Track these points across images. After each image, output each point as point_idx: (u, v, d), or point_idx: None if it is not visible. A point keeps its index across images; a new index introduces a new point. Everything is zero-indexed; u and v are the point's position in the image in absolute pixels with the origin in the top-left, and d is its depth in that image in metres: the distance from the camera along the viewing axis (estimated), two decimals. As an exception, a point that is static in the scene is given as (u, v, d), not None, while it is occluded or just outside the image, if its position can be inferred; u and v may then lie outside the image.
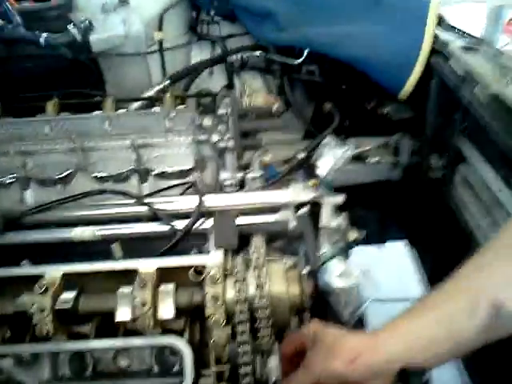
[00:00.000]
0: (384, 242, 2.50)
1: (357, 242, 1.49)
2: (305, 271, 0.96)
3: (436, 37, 1.70)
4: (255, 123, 1.43)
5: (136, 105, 1.67)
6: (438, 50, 1.67)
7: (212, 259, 0.98)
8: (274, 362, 1.12)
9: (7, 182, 1.48)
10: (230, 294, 0.94)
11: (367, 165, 2.02)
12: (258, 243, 0.96)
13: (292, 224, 1.04)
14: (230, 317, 0.96)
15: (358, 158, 1.99)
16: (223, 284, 0.94)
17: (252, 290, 0.92)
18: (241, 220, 1.06)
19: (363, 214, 2.25)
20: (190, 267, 0.99)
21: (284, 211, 1.16)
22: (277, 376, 1.15)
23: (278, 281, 0.94)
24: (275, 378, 1.14)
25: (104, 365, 1.10)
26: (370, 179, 2.12)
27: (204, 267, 0.98)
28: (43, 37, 1.68)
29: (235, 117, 1.36)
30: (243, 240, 1.01)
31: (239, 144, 1.38)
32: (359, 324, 1.61)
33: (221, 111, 1.40)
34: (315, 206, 1.21)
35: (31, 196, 1.49)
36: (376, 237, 2.41)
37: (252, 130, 1.42)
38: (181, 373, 1.07)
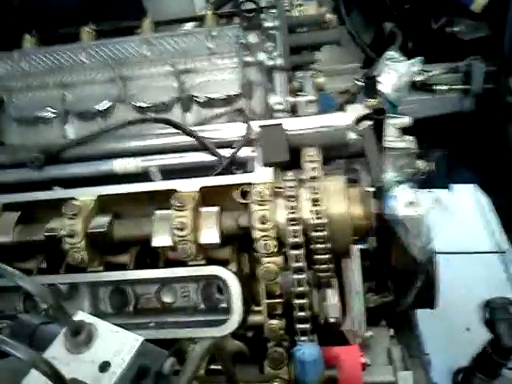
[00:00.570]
0: (452, 183, 2.30)
1: (426, 174, 1.33)
2: (369, 189, 0.81)
3: None
4: (307, 36, 1.27)
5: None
6: None
7: (259, 176, 0.85)
8: (333, 298, 1.01)
9: (47, 116, 1.40)
10: (281, 213, 0.81)
11: (434, 94, 1.82)
12: (311, 152, 0.81)
13: (351, 135, 0.89)
14: (281, 242, 0.83)
15: (424, 87, 1.80)
16: (273, 203, 0.81)
17: (307, 207, 0.78)
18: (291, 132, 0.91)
19: (429, 152, 2.06)
20: (235, 187, 0.87)
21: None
22: (336, 315, 1.03)
23: (338, 198, 0.80)
24: (335, 317, 1.03)
25: (146, 301, 1.02)
26: (437, 112, 1.92)
27: (250, 186, 0.85)
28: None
29: (284, 29, 1.21)
30: (294, 157, 0.87)
31: (289, 61, 1.22)
32: (430, 263, 1.47)
33: (267, 24, 1.24)
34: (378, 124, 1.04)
35: (71, 130, 1.41)
36: (442, 179, 2.21)
37: (304, 45, 1.25)
38: (227, 310, 0.98)
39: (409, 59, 1.61)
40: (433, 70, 1.76)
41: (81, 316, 0.64)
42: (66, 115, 1.40)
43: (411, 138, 1.23)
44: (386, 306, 1.47)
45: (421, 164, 1.26)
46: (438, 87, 1.79)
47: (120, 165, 1.25)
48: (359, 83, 1.64)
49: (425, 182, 1.33)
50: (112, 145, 1.30)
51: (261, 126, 0.90)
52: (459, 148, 2.09)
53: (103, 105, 1.37)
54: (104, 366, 0.60)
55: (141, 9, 1.71)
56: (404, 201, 1.16)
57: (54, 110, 1.39)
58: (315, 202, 0.77)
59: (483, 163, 2.11)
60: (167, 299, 1.02)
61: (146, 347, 0.63)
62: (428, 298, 1.58)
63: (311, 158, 0.80)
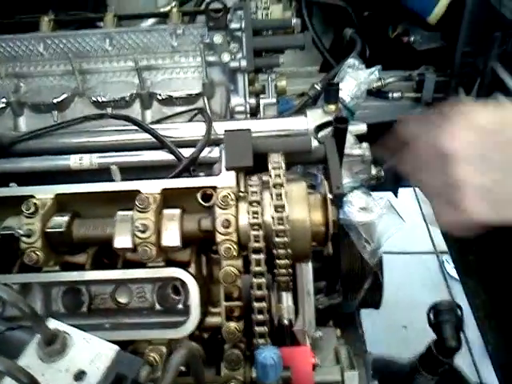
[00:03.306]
0: (398, 186, 2.38)
1: (378, 179, 1.37)
2: (330, 196, 0.84)
3: None
4: (272, 39, 1.28)
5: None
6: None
7: (223, 180, 0.86)
8: (287, 300, 1.03)
9: (-2, 107, 1.35)
10: (244, 218, 0.82)
11: (388, 100, 1.88)
12: (276, 159, 0.83)
13: (314, 143, 0.91)
14: (242, 246, 0.85)
15: (378, 93, 1.84)
16: (236, 207, 0.82)
17: (269, 212, 0.80)
18: (256, 139, 0.92)
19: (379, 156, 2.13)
20: (198, 189, 0.87)
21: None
22: (291, 317, 1.05)
23: (300, 205, 0.82)
24: (289, 319, 1.05)
25: (101, 301, 1.01)
26: (389, 117, 1.98)
27: (214, 189, 0.86)
28: None
29: (249, 32, 1.21)
30: (258, 162, 0.88)
31: (253, 64, 1.23)
32: (379, 266, 1.52)
33: (233, 26, 1.24)
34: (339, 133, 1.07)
35: (24, 122, 1.36)
36: (390, 182, 2.28)
37: (269, 48, 1.27)
38: (184, 311, 0.98)
39: (367, 66, 1.66)
40: (388, 77, 1.81)
41: (53, 324, 0.63)
42: (19, 106, 1.35)
43: (366, 144, 1.27)
44: (333, 306, 1.52)
45: (374, 170, 1.31)
46: (393, 94, 1.84)
47: (75, 161, 1.23)
48: (318, 87, 1.68)
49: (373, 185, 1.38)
50: (68, 139, 1.27)
51: (227, 131, 0.91)
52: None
53: (60, 97, 1.33)
54: (79, 375, 0.59)
55: (102, 2, 1.67)
56: (358, 206, 1.21)
57: (5, 100, 1.34)
58: (278, 208, 0.78)
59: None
60: (122, 299, 1.01)
61: (121, 355, 0.63)
62: (375, 299, 1.65)
63: (275, 164, 0.82)
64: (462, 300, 1.75)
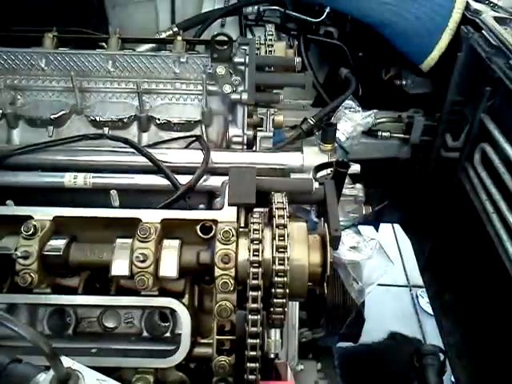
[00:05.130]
0: (379, 222, 2.43)
1: (366, 218, 1.40)
2: (327, 237, 0.85)
3: (467, 5, 1.60)
4: (275, 76, 1.31)
5: (143, 48, 1.52)
6: (469, 19, 1.57)
7: (225, 215, 0.87)
8: (277, 335, 1.04)
9: (-7, 118, 1.33)
10: (244, 254, 0.83)
11: (377, 139, 1.93)
12: (280, 199, 0.84)
13: (315, 185, 0.93)
14: (239, 281, 0.86)
15: (368, 131, 1.89)
16: (236, 243, 0.83)
17: (269, 251, 0.81)
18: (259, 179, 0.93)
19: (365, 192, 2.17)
20: (198, 222, 0.88)
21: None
22: (278, 351, 1.06)
23: (300, 246, 0.83)
24: (275, 353, 1.06)
25: (88, 324, 1.00)
26: (378, 155, 2.03)
27: (215, 223, 0.87)
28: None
29: (252, 67, 1.24)
30: (259, 197, 0.90)
31: (254, 98, 1.25)
32: (361, 306, 1.54)
33: (237, 59, 1.27)
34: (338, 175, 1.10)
35: (19, 136, 1.35)
36: (373, 217, 2.33)
37: (269, 85, 1.29)
38: (172, 340, 0.97)
39: (361, 106, 1.71)
40: (379, 116, 1.86)
41: (67, 362, 0.62)
42: (14, 119, 1.34)
43: (360, 186, 1.30)
44: (314, 339, 1.53)
45: (365, 210, 1.34)
46: (382, 133, 1.89)
47: (69, 179, 1.23)
48: (311, 121, 1.71)
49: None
50: (63, 157, 1.27)
51: (232, 167, 0.92)
52: (391, 190, 2.22)
53: (58, 114, 1.33)
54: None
55: (104, 18, 1.68)
56: (348, 245, 1.23)
57: (0, 112, 1.33)
58: (280, 248, 0.79)
59: (409, 205, 2.24)
60: (110, 324, 1.00)
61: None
62: (355, 333, 1.67)
63: (279, 204, 0.83)
64: (431, 334, 1.78)
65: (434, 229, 2.01)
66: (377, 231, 2.40)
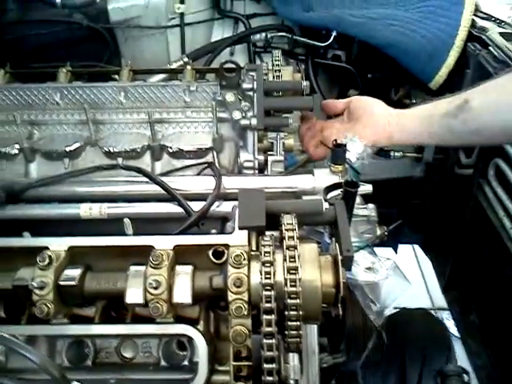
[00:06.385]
0: (398, 243, 2.40)
1: (381, 238, 1.39)
2: (340, 257, 0.85)
3: (473, 22, 1.61)
4: (283, 100, 1.32)
5: (154, 78, 1.56)
6: (476, 36, 1.58)
7: (236, 239, 0.87)
8: (295, 360, 1.02)
9: (12, 153, 1.37)
10: (256, 278, 0.83)
11: (389, 159, 1.92)
12: (289, 221, 0.84)
13: (325, 206, 0.93)
14: (252, 305, 0.85)
15: (380, 151, 1.89)
16: (248, 266, 0.83)
17: (281, 273, 0.81)
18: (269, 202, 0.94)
19: (380, 212, 2.16)
20: (210, 247, 0.89)
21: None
22: (297, 377, 1.04)
23: (311, 267, 0.83)
24: (295, 379, 1.04)
25: (106, 355, 1.00)
26: (391, 175, 2.02)
27: (226, 247, 0.87)
28: (60, -4, 1.56)
29: (261, 92, 1.26)
30: (269, 220, 0.90)
31: (263, 123, 1.27)
32: (387, 326, 1.51)
33: (245, 86, 1.29)
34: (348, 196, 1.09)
35: (36, 169, 1.39)
36: (390, 238, 2.30)
37: (278, 109, 1.31)
38: (190, 368, 0.97)
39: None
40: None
41: None
42: (31, 153, 1.37)
43: (373, 206, 1.29)
44: (336, 365, 1.50)
45: (379, 230, 1.33)
46: (395, 153, 1.89)
47: (85, 210, 1.24)
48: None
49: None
50: (78, 188, 1.29)
51: (241, 190, 0.93)
52: (406, 210, 2.20)
53: (72, 146, 1.36)
54: None
55: (116, 52, 1.73)
56: (363, 266, 1.21)
57: (18, 147, 1.37)
58: (291, 270, 0.79)
59: (426, 225, 2.22)
60: (128, 354, 1.00)
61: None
62: (377, 359, 1.63)
63: (289, 226, 0.83)
64: (458, 357, 1.73)
65: (453, 248, 1.98)
66: (396, 253, 2.37)
